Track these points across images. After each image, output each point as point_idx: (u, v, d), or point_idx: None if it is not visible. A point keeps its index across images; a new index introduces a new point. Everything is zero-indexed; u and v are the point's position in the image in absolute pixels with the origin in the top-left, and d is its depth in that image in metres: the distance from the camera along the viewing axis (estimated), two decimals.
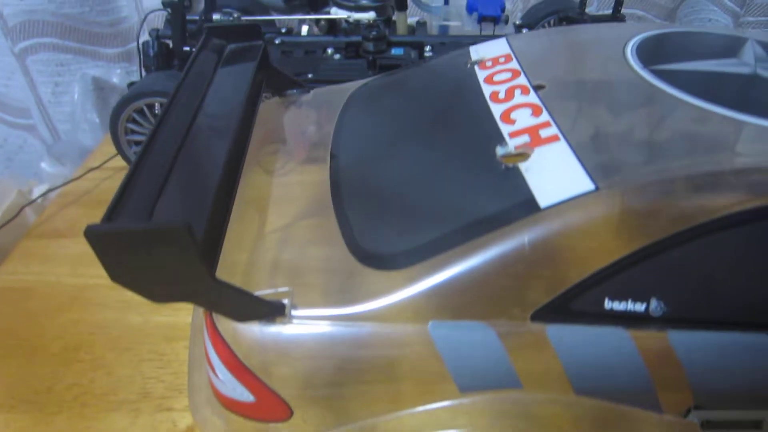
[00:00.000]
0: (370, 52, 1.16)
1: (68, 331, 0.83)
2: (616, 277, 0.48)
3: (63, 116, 1.58)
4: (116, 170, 1.15)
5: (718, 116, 0.54)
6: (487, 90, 0.64)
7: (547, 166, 0.52)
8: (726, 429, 0.53)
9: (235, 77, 0.69)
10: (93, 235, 0.40)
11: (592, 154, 0.52)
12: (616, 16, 1.12)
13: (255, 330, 0.48)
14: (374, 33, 1.15)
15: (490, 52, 0.73)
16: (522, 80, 0.64)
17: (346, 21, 1.21)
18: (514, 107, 0.60)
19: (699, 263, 0.49)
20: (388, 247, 0.51)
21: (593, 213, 0.48)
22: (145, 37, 1.17)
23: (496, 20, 1.24)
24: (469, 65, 0.72)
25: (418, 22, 1.33)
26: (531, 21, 1.40)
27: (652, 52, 0.67)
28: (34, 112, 1.62)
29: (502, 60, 0.70)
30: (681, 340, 0.49)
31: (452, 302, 0.48)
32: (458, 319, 0.48)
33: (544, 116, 0.57)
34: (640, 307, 0.49)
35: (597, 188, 0.49)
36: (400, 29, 1.24)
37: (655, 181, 0.49)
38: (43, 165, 1.22)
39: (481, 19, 1.24)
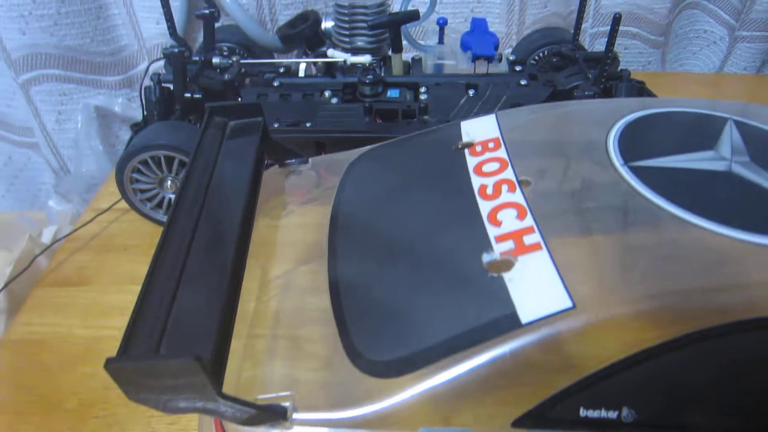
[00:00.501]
0: (366, 96, 1.19)
1: (83, 386, 0.88)
2: (591, 388, 0.53)
3: (67, 142, 1.62)
4: (123, 212, 1.19)
5: (691, 226, 0.58)
6: (476, 183, 0.68)
7: (529, 277, 0.56)
8: None
9: (237, 159, 0.73)
10: (111, 369, 0.45)
11: (571, 266, 0.56)
12: (608, 55, 1.15)
13: None
14: (370, 77, 1.18)
15: (480, 134, 0.77)
16: (509, 174, 0.68)
17: (344, 63, 1.24)
18: (501, 207, 0.64)
19: (667, 375, 0.53)
20: (384, 354, 0.56)
21: (570, 329, 0.52)
22: (147, 80, 1.20)
23: (489, 59, 1.27)
24: (459, 148, 0.75)
25: (413, 59, 1.36)
26: (523, 54, 1.43)
27: (633, 143, 0.70)
28: (38, 135, 1.65)
29: (491, 146, 0.73)
30: None
31: (440, 410, 0.53)
32: (446, 426, 0.53)
33: (528, 220, 0.61)
34: (612, 414, 0.54)
35: (574, 306, 0.53)
36: (396, 70, 1.27)
37: (628, 299, 0.53)
38: (51, 203, 1.26)
39: (475, 59, 1.27)
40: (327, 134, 1.11)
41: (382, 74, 1.25)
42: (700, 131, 0.73)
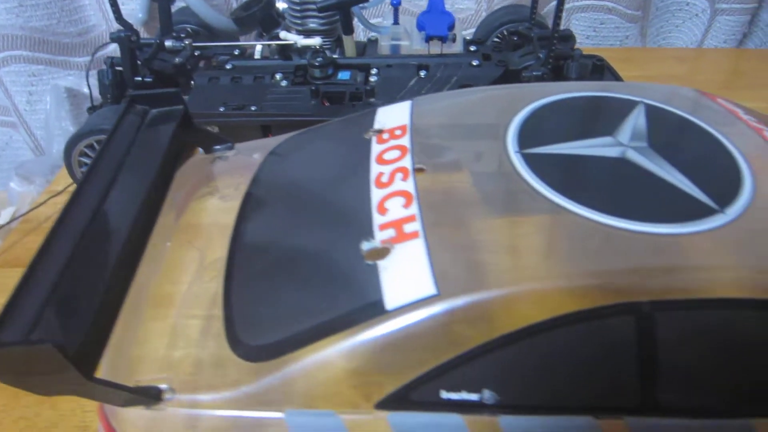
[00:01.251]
0: (316, 78, 1.20)
1: None
2: (452, 371, 0.55)
3: (39, 123, 1.65)
4: None
5: (568, 212, 0.59)
6: (374, 172, 0.69)
7: (402, 265, 0.58)
8: None
9: (150, 146, 0.75)
10: None
11: (444, 254, 0.58)
12: (554, 35, 1.14)
13: (134, 414, 0.56)
14: (320, 60, 1.19)
15: (390, 121, 0.78)
16: (406, 162, 0.69)
17: (295, 45, 1.25)
18: (391, 195, 0.65)
19: (526, 358, 0.55)
20: (258, 339, 0.58)
21: (433, 315, 0.54)
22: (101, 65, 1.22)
23: (443, 39, 1.26)
24: (369, 135, 0.76)
25: (369, 39, 1.36)
26: (484, 34, 1.41)
27: (533, 129, 0.71)
28: (13, 115, 1.69)
29: (398, 133, 0.74)
30: (511, 424, 0.56)
31: (306, 393, 0.55)
32: (311, 408, 0.55)
33: (413, 208, 0.62)
34: (473, 396, 0.56)
35: (438, 293, 0.55)
36: (348, 52, 1.27)
37: (491, 286, 0.54)
38: (12, 185, 1.29)
39: (428, 39, 1.26)
40: (272, 118, 1.12)
41: (335, 56, 1.25)
42: (605, 117, 0.73)
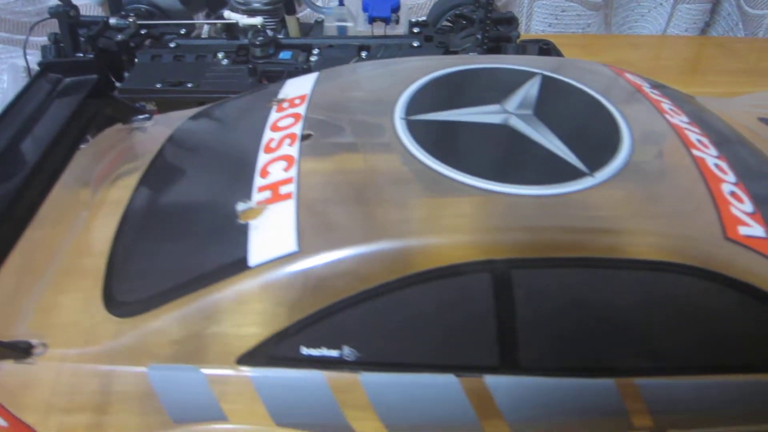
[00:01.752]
0: (257, 57, 1.21)
1: None
2: (311, 327, 0.56)
3: None
4: None
5: (437, 175, 0.60)
6: (266, 138, 0.70)
7: (269, 224, 0.59)
8: None
9: (58, 114, 0.76)
10: None
11: (313, 213, 0.59)
12: (487, 18, 1.14)
13: (5, 367, 0.57)
14: (260, 39, 1.19)
15: (294, 91, 0.78)
16: (297, 128, 0.69)
17: (237, 25, 1.25)
18: (275, 159, 0.66)
19: (385, 315, 0.56)
20: (128, 295, 0.59)
21: (292, 272, 0.55)
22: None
23: (386, 21, 1.27)
24: (271, 105, 0.77)
25: (316, 21, 1.36)
26: (435, 17, 1.42)
27: (425, 97, 0.71)
28: None
29: (297, 102, 0.75)
30: (371, 380, 0.57)
31: (169, 348, 0.56)
32: (174, 363, 0.56)
33: (292, 171, 0.63)
34: (334, 353, 0.57)
35: (299, 250, 0.56)
36: (292, 32, 1.28)
37: (346, 245, 0.55)
38: None
39: (372, 20, 1.27)
40: (208, 95, 1.13)
41: (279, 36, 1.26)
42: (498, 87, 0.74)
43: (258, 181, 0.64)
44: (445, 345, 0.57)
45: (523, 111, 0.69)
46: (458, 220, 0.56)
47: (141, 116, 0.88)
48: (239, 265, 0.56)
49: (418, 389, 0.57)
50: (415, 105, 0.70)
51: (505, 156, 0.63)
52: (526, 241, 0.55)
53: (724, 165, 0.68)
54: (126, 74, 1.21)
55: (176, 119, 0.88)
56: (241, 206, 0.61)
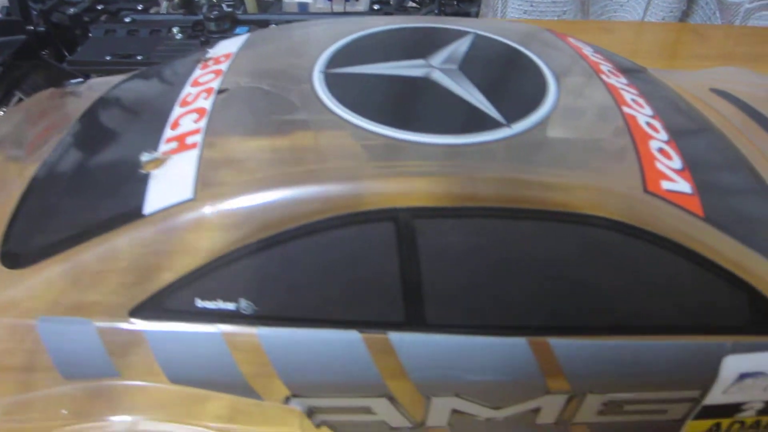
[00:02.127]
0: (213, 32, 1.19)
1: None
2: (205, 278, 0.53)
3: None
4: None
5: (348, 124, 0.57)
6: (184, 93, 0.68)
7: (170, 174, 0.56)
8: (335, 414, 0.59)
9: None
10: None
11: (215, 164, 0.56)
12: None
13: None
14: (215, 14, 1.18)
15: (222, 50, 0.76)
16: (215, 83, 0.67)
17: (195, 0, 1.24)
18: (188, 112, 0.63)
19: (283, 266, 0.53)
20: (20, 246, 0.57)
21: (185, 220, 0.53)
22: None
23: None
24: (197, 63, 0.75)
25: None
26: None
27: (349, 52, 0.69)
28: None
29: (222, 59, 0.73)
30: (269, 335, 0.54)
31: (59, 300, 0.54)
32: (65, 316, 0.54)
33: (202, 122, 0.61)
34: (230, 305, 0.54)
35: (193, 197, 0.53)
36: (250, 8, 1.26)
37: (244, 193, 0.53)
38: None
39: None
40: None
41: (237, 12, 1.24)
42: (428, 44, 0.71)
43: (167, 133, 0.62)
44: (347, 299, 0.54)
45: (447, 65, 0.66)
46: (361, 167, 0.54)
47: (74, 80, 0.86)
48: (134, 214, 0.54)
49: (319, 346, 0.55)
50: (338, 59, 0.68)
51: (421, 107, 0.61)
52: (431, 190, 0.52)
53: (657, 124, 0.66)
54: (79, 48, 1.19)
55: (110, 83, 0.85)
56: (145, 157, 0.59)
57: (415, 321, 0.55)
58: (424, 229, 0.53)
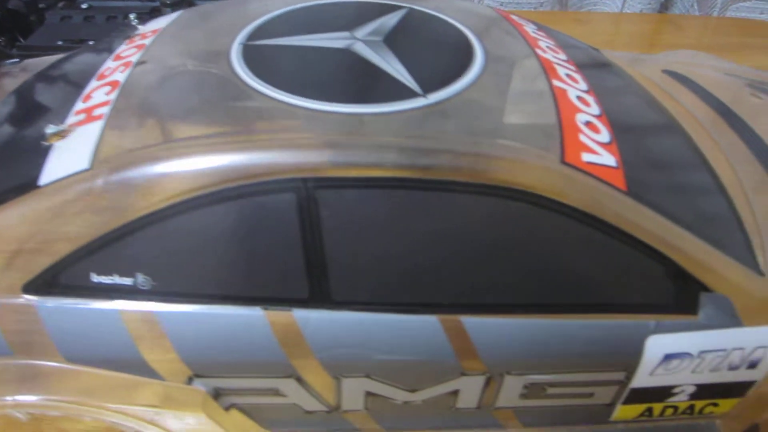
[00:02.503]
0: None
1: None
2: (102, 252, 0.51)
3: None
4: None
5: (256, 94, 0.55)
6: (104, 67, 0.66)
7: (72, 145, 0.54)
8: (244, 396, 0.57)
9: None
10: None
11: (115, 135, 0.54)
12: None
13: None
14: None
15: (152, 26, 0.74)
16: (134, 57, 0.65)
17: None
18: (103, 85, 0.61)
19: (180, 239, 0.51)
20: None
21: (80, 190, 0.51)
22: None
23: None
24: (126, 38, 0.73)
25: None
26: None
27: (274, 25, 0.67)
28: None
29: (149, 34, 0.71)
30: (167, 312, 0.52)
31: None
32: None
33: (113, 95, 0.59)
34: (127, 281, 0.52)
35: (90, 167, 0.51)
36: None
37: (140, 163, 0.50)
38: None
39: None
40: None
41: None
42: (356, 17, 0.69)
43: (78, 106, 0.60)
44: (249, 275, 0.52)
45: (372, 38, 0.64)
46: (262, 136, 0.52)
47: (10, 60, 0.84)
48: (29, 185, 0.52)
49: (220, 323, 0.53)
50: (261, 32, 0.66)
51: (337, 78, 0.59)
52: (333, 159, 0.50)
53: (590, 99, 0.63)
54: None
55: (46, 62, 0.83)
56: (49, 129, 0.57)
57: (319, 298, 0.52)
58: (327, 201, 0.51)
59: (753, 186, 0.66)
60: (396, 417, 0.61)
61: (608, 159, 0.56)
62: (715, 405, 0.63)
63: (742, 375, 0.59)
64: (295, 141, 0.51)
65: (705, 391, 0.61)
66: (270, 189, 0.50)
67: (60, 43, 1.10)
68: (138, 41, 0.70)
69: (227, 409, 0.57)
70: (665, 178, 0.61)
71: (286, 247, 0.51)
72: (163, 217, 0.51)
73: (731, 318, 0.56)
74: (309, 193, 0.50)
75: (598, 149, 0.57)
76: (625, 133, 0.62)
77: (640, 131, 0.66)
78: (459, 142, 0.52)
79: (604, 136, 0.59)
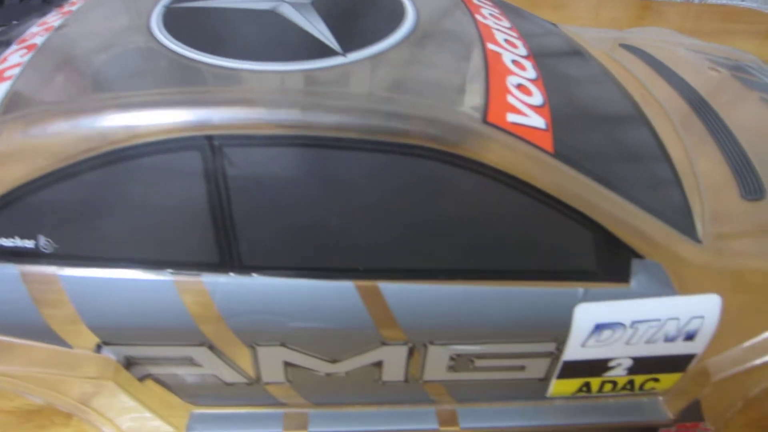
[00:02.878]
0: None
1: None
2: (2, 212, 0.49)
3: None
4: None
5: (170, 53, 0.53)
6: (27, 33, 0.64)
7: None
8: (158, 366, 0.55)
9: None
10: None
11: (22, 95, 0.52)
12: None
13: None
14: None
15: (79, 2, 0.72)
16: (59, 21, 0.63)
17: None
18: (20, 48, 0.59)
19: (81, 200, 0.49)
20: None
21: None
22: None
23: None
24: (60, 5, 0.71)
25: None
26: None
27: None
28: None
29: (78, 1, 0.69)
30: (71, 276, 0.50)
31: None
32: None
33: (27, 57, 0.57)
34: (28, 243, 0.50)
35: None
36: None
37: (42, 121, 0.48)
38: None
39: None
40: None
41: None
42: None
43: None
44: (156, 238, 0.50)
45: (300, 0, 0.62)
46: (167, 94, 0.49)
47: None
48: None
49: (127, 288, 0.50)
50: None
51: (257, 38, 0.56)
52: (241, 116, 0.48)
53: (527, 64, 0.61)
54: None
55: None
56: None
57: (229, 262, 0.50)
58: (234, 160, 0.49)
59: (698, 152, 0.64)
60: (322, 391, 0.59)
61: (537, 121, 0.54)
62: (656, 380, 0.60)
63: (680, 347, 0.57)
64: (198, 98, 0.49)
65: (643, 365, 0.58)
66: (175, 147, 0.48)
67: (14, 22, 1.09)
68: (67, 8, 0.68)
69: (142, 379, 0.55)
70: (599, 143, 0.58)
71: (193, 208, 0.49)
72: (66, 177, 0.49)
73: (665, 286, 0.54)
74: (215, 151, 0.48)
75: (527, 111, 0.54)
76: (560, 97, 0.59)
77: (577, 97, 0.64)
78: (370, 100, 0.50)
79: (537, 99, 0.57)
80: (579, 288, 0.53)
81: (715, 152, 0.65)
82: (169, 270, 0.50)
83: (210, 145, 0.48)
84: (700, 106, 0.71)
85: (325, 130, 0.48)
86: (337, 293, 0.51)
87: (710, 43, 0.94)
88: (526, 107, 0.55)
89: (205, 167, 0.49)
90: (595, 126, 0.61)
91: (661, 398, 0.63)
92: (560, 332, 0.54)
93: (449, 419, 0.61)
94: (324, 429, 0.60)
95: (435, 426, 0.61)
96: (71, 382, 0.53)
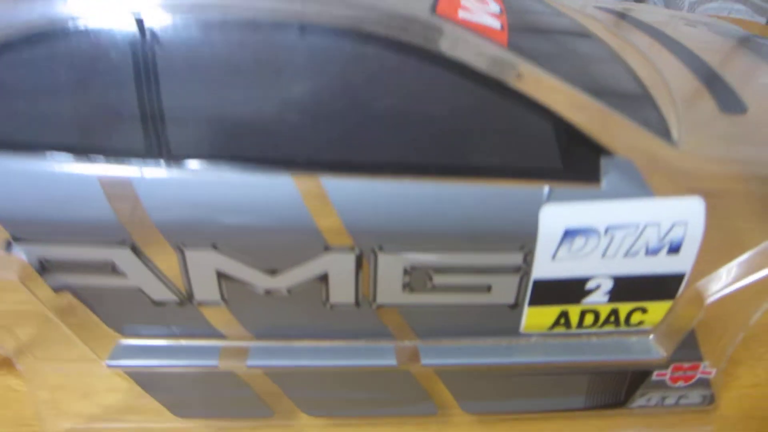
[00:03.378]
0: None
1: None
2: None
3: None
4: None
5: None
6: None
7: None
8: (75, 275, 0.49)
9: None
10: None
11: None
12: None
13: None
14: None
15: None
16: None
17: None
18: None
19: (1, 85, 0.46)
20: None
21: None
22: None
23: None
24: None
25: None
26: None
27: None
28: None
29: None
30: None
31: None
32: None
33: None
34: None
35: None
36: None
37: None
38: None
39: None
40: None
41: None
42: None
43: None
44: (78, 122, 0.46)
45: None
46: None
47: None
48: None
49: (40, 175, 0.46)
50: None
51: None
52: None
53: None
54: None
55: None
56: None
57: (157, 151, 0.46)
58: (162, 42, 0.45)
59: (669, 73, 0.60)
60: (263, 318, 0.53)
61: (492, 22, 0.51)
62: (644, 311, 0.53)
63: (666, 264, 0.50)
64: None
65: (626, 289, 0.51)
66: (99, 28, 0.45)
67: None
68: None
69: (58, 291, 0.49)
70: (558, 52, 0.55)
71: (119, 92, 0.46)
72: None
73: (639, 187, 0.48)
74: (142, 32, 0.45)
75: (480, 11, 0.52)
76: (518, 14, 0.57)
77: (537, 22, 0.61)
78: None
79: (493, 7, 0.54)
80: (544, 186, 0.48)
81: (685, 72, 0.62)
82: (90, 158, 0.46)
83: (138, 26, 0.45)
84: (669, 43, 0.68)
85: (269, 13, 0.45)
86: (274, 186, 0.46)
87: (696, 15, 0.93)
88: (482, 11, 0.52)
89: (132, 49, 0.45)
90: (554, 40, 0.58)
91: (652, 336, 0.56)
92: (526, 239, 0.48)
93: (410, 356, 0.54)
94: (266, 362, 0.53)
95: (393, 362, 0.54)
96: None
